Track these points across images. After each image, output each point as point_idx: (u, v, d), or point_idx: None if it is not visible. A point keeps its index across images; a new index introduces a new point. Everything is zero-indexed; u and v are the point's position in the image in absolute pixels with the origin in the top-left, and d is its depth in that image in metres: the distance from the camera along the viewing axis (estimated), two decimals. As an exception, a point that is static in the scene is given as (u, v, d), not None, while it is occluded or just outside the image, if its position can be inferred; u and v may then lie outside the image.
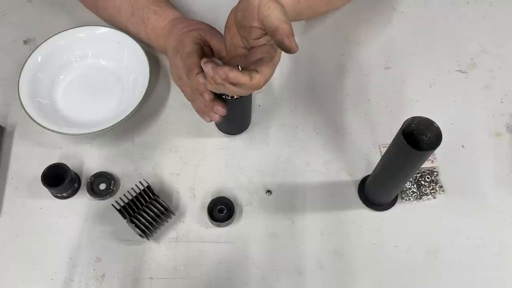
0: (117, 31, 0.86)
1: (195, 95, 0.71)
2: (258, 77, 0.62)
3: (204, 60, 0.63)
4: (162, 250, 0.75)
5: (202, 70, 0.65)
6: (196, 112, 0.74)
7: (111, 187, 0.78)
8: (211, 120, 0.73)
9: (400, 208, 0.79)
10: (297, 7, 0.69)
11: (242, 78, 0.61)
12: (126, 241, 0.76)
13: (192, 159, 0.82)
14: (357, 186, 0.80)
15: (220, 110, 0.70)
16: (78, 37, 0.86)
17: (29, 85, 0.81)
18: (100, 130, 0.77)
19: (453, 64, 0.91)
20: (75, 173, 0.79)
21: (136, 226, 0.72)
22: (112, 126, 0.78)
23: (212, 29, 0.76)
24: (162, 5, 0.82)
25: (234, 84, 0.62)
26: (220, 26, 0.95)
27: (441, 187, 0.80)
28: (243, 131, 0.84)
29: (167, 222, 0.76)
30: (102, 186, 0.79)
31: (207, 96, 0.69)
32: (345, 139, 0.83)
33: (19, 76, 0.81)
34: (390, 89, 0.88)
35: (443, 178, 0.81)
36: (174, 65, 0.74)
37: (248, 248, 0.75)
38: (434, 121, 0.60)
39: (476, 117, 0.86)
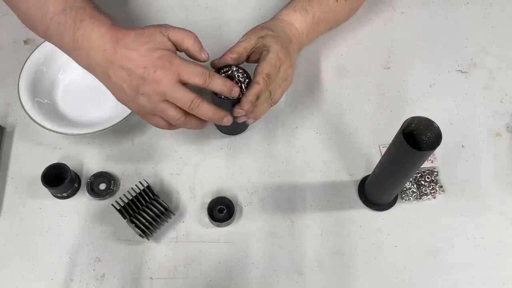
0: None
1: (195, 109, 0.67)
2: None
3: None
4: (162, 250, 0.75)
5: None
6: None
7: (111, 187, 0.78)
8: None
9: (400, 208, 0.79)
10: (310, 34, 0.81)
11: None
12: (126, 241, 0.76)
13: (192, 159, 0.82)
14: (357, 186, 0.80)
15: (229, 119, 0.70)
16: (78, 37, 0.86)
17: (29, 85, 0.81)
18: (100, 130, 0.77)
19: (453, 64, 0.91)
20: (75, 173, 0.79)
21: (136, 226, 0.72)
22: (112, 126, 0.78)
23: (166, 26, 0.69)
24: (99, 11, 0.69)
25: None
26: (219, 25, 0.95)
27: (441, 187, 0.80)
28: (243, 131, 0.84)
29: (167, 222, 0.76)
30: (102, 186, 0.79)
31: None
32: (345, 139, 0.83)
33: (19, 76, 0.81)
34: (390, 89, 0.88)
35: (443, 178, 0.81)
36: (154, 83, 0.65)
37: (248, 248, 0.75)
38: (434, 121, 0.60)
39: (476, 117, 0.86)
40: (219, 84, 0.67)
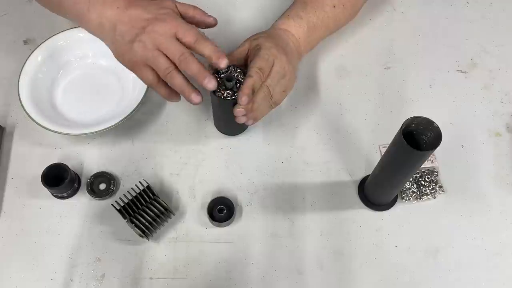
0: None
1: (184, 61, 0.68)
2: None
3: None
4: (162, 250, 0.75)
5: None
6: (191, 107, 0.73)
7: (111, 187, 0.78)
8: (198, 101, 0.71)
9: (400, 208, 0.79)
10: (308, 40, 0.82)
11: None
12: (126, 241, 0.76)
13: (192, 159, 0.82)
14: (357, 186, 0.80)
15: (213, 82, 0.69)
16: (78, 37, 0.86)
17: (29, 85, 0.81)
18: (100, 130, 0.77)
19: (453, 64, 0.91)
20: (75, 173, 0.79)
21: (136, 226, 0.72)
22: (112, 126, 0.78)
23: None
24: None
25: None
26: (220, 25, 0.96)
27: (441, 187, 0.80)
28: (243, 131, 0.84)
29: (167, 222, 0.76)
30: (102, 186, 0.79)
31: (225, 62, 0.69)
32: (345, 139, 0.83)
33: (19, 76, 0.81)
34: (390, 89, 0.88)
35: (443, 178, 0.81)
36: (152, 32, 0.69)
37: (248, 248, 0.75)
38: (434, 121, 0.60)
39: (476, 117, 0.86)
40: (208, 48, 0.69)
